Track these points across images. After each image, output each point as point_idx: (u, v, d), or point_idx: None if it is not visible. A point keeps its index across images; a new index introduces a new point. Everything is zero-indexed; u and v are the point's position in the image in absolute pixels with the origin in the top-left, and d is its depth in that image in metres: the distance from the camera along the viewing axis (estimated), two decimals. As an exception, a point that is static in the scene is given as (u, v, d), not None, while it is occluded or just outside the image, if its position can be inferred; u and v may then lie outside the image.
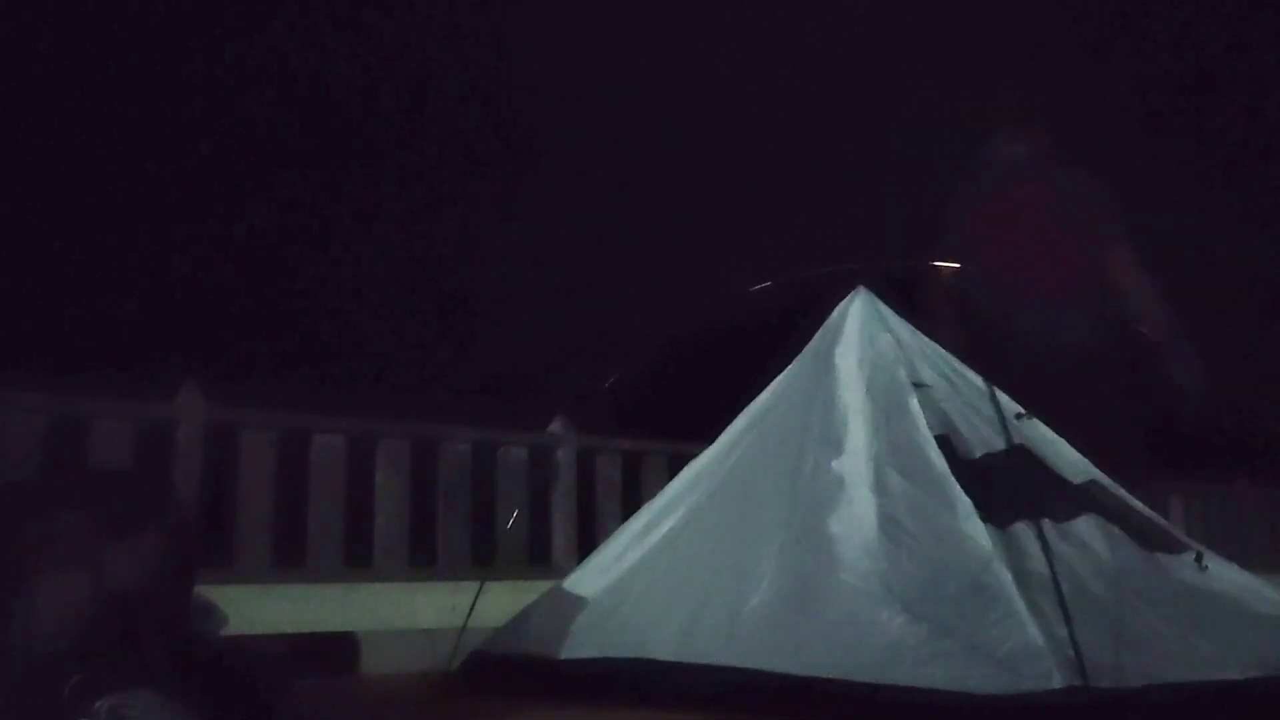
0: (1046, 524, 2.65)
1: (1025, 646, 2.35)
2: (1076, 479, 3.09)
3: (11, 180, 7.19)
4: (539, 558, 5.60)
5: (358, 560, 5.08)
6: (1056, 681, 2.24)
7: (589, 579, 3.36)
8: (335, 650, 4.13)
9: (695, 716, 2.69)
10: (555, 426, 5.81)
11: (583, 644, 3.11)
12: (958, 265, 3.61)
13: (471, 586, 4.09)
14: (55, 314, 7.40)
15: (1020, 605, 2.42)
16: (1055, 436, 3.16)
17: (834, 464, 3.01)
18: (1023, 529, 2.63)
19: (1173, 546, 3.04)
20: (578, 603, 3.28)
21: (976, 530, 2.63)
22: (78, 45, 7.83)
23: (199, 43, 8.35)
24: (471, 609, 3.59)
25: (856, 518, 2.85)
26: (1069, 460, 3.15)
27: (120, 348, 7.17)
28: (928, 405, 3.03)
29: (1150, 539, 3.02)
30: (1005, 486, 2.75)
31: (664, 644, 2.92)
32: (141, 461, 4.42)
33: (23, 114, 7.44)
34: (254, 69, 8.44)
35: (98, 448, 4.34)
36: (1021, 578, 2.49)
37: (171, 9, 8.15)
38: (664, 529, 3.31)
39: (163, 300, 7.91)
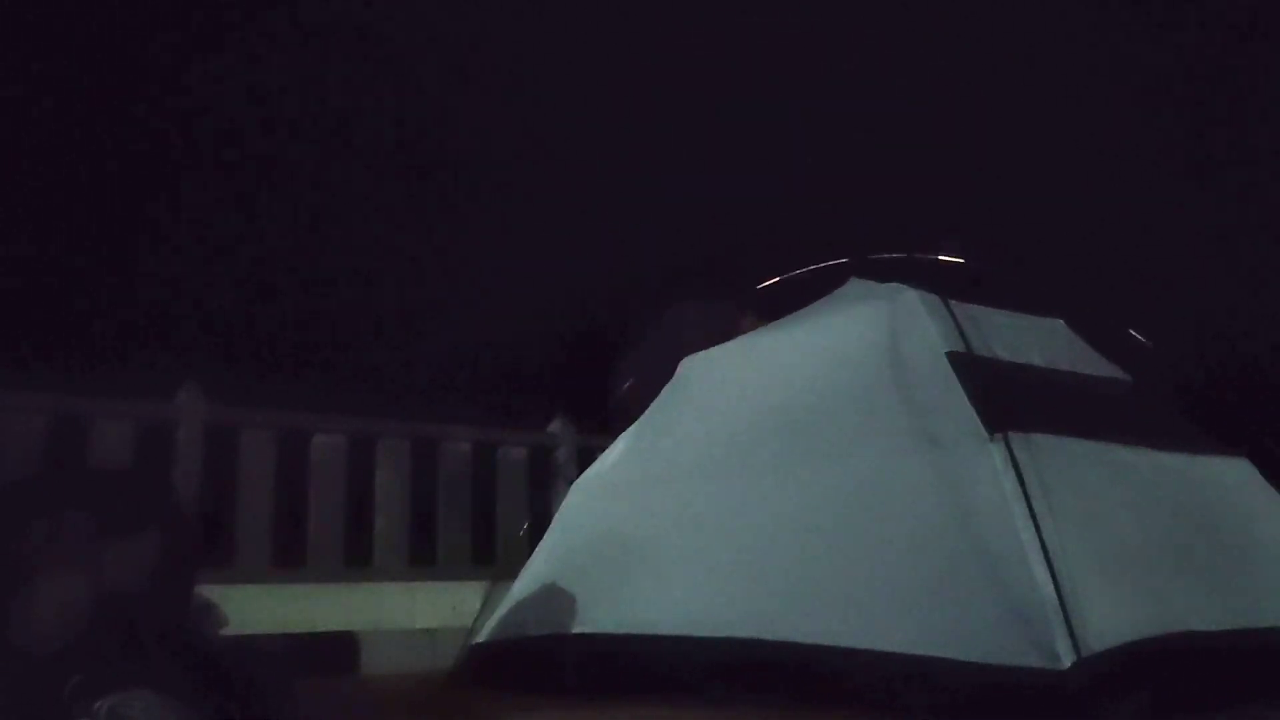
0: (1044, 486, 2.62)
1: (1020, 619, 2.36)
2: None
3: (11, 180, 7.19)
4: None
5: (358, 560, 5.09)
6: (1065, 660, 2.25)
7: (579, 551, 3.38)
8: (335, 650, 4.14)
9: (700, 712, 2.70)
10: (555, 426, 5.81)
11: (587, 619, 3.13)
12: (961, 260, 3.62)
13: (471, 586, 4.11)
14: (55, 314, 7.40)
15: (1016, 574, 2.42)
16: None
17: (828, 436, 3.02)
18: (1013, 493, 2.58)
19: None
20: (576, 578, 3.30)
21: (974, 501, 2.63)
22: (78, 46, 7.83)
23: (204, 46, 8.36)
24: (480, 612, 3.62)
25: (858, 487, 2.85)
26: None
27: (120, 348, 7.17)
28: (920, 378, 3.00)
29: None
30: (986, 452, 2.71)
31: (668, 617, 2.93)
32: (141, 461, 4.42)
33: (24, 113, 7.44)
34: (254, 73, 8.44)
35: (98, 448, 4.34)
36: (1016, 544, 2.48)
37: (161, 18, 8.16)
38: (666, 503, 3.29)
39: (163, 300, 7.91)
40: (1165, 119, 9.15)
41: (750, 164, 9.38)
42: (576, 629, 3.15)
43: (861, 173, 8.80)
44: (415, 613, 4.67)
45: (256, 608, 4.17)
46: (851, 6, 9.10)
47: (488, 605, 3.61)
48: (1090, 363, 3.33)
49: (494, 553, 5.40)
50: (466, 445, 5.52)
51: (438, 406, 5.81)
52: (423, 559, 5.31)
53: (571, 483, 5.31)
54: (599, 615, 3.12)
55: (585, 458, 5.90)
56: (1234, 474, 3.15)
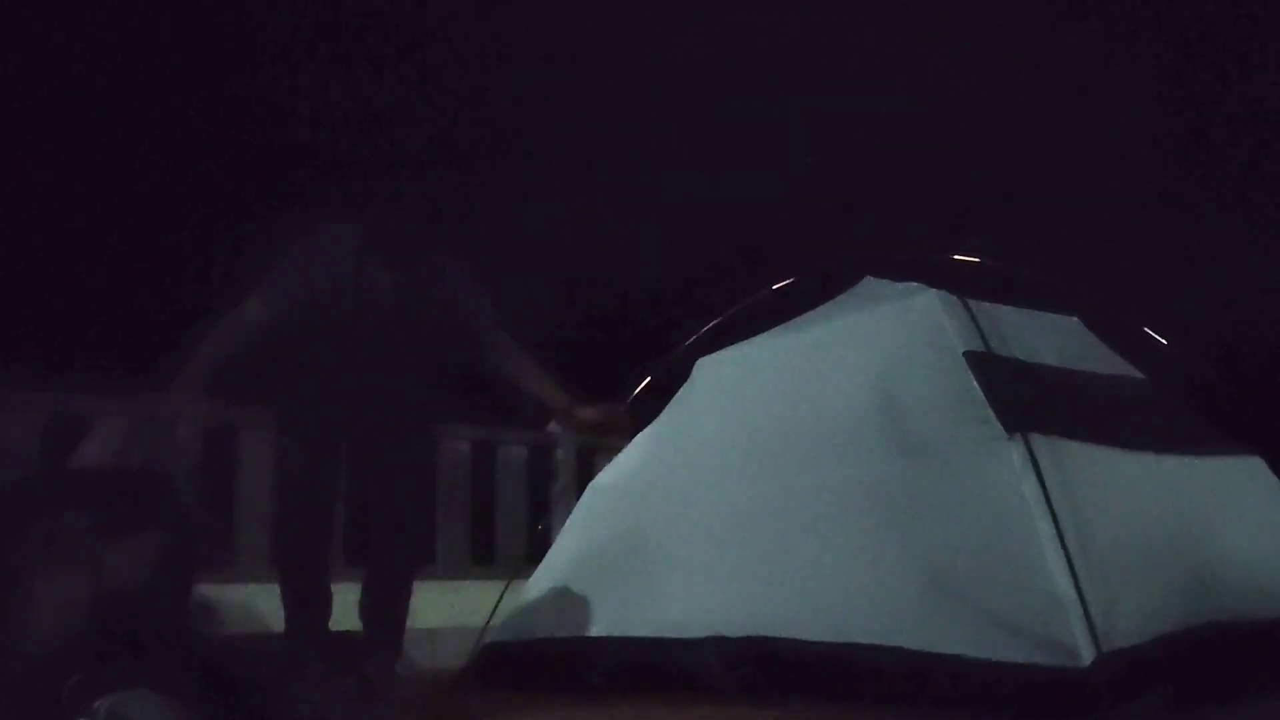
0: (1061, 478, 2.62)
1: (1039, 618, 2.36)
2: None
3: (13, 180, 7.19)
4: (539, 557, 5.58)
5: (358, 560, 5.08)
6: (1086, 657, 2.25)
7: (601, 553, 3.36)
8: (335, 650, 4.13)
9: (706, 710, 2.69)
10: (555, 426, 5.80)
11: (606, 621, 3.12)
12: (977, 259, 3.61)
13: (471, 586, 4.10)
14: (56, 313, 7.39)
15: (1036, 573, 2.42)
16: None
17: (848, 436, 3.01)
18: (1032, 492, 2.57)
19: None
20: (594, 580, 3.28)
21: (992, 497, 2.62)
22: (89, 50, 7.83)
23: (208, 53, 8.37)
24: (494, 610, 3.61)
25: (876, 487, 2.85)
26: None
27: (120, 348, 7.17)
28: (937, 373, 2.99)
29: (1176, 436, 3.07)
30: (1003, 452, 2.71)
31: (687, 619, 2.93)
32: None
33: (25, 113, 7.44)
34: (256, 73, 8.44)
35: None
36: (1035, 544, 2.48)
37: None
38: (683, 504, 3.28)
39: (163, 299, 7.90)
40: (1184, 116, 9.15)
41: (752, 164, 9.37)
42: (595, 631, 3.14)
43: (873, 172, 8.80)
44: (415, 613, 4.65)
45: (256, 608, 4.17)
46: (852, 6, 9.10)
47: (500, 605, 3.61)
48: (1105, 361, 3.32)
49: (494, 553, 5.40)
50: (466, 445, 5.51)
51: (438, 406, 5.79)
52: (422, 559, 5.29)
53: (569, 483, 5.33)
54: (618, 618, 3.11)
55: (585, 458, 5.90)
56: (1247, 473, 3.15)
